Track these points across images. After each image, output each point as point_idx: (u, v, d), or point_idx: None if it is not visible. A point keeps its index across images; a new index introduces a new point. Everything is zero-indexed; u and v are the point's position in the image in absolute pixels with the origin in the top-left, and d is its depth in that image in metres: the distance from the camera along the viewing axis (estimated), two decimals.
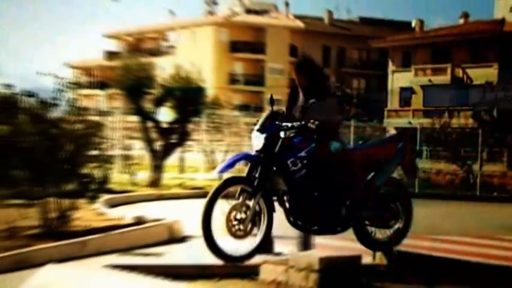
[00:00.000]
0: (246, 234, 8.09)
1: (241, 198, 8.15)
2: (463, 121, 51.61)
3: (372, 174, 8.78)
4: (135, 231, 10.89)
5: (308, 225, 8.47)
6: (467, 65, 67.41)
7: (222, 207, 7.99)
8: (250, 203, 8.12)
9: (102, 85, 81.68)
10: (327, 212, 8.45)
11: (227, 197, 8.13)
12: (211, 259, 8.03)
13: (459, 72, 68.25)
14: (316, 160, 8.34)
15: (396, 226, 9.05)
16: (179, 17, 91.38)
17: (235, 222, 8.04)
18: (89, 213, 12.74)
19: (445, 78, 68.74)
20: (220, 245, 7.98)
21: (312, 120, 8.32)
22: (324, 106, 8.53)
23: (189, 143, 26.16)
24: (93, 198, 11.59)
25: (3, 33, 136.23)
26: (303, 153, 8.31)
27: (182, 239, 8.19)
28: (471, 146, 30.99)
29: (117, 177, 22.81)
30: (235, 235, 8.05)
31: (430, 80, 69.92)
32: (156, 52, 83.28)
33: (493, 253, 11.40)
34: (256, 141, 8.36)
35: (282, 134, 8.34)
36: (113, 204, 16.33)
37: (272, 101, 8.66)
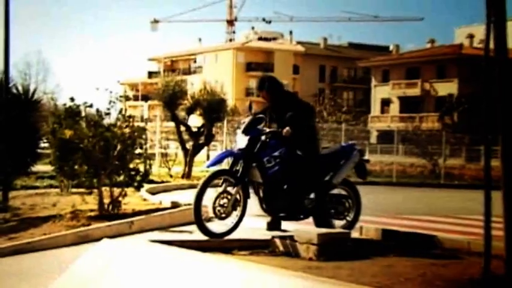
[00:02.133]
0: (227, 215, 8.08)
1: (224, 187, 8.13)
2: (430, 125, 51.51)
3: (331, 174, 8.78)
4: (171, 214, 10.89)
5: (277, 212, 8.45)
6: (433, 80, 67.16)
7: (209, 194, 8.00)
8: (232, 190, 8.10)
9: (145, 98, 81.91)
10: (293, 202, 8.44)
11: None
12: (232, 235, 8.04)
13: (427, 86, 68.01)
14: (286, 159, 8.32)
15: (348, 218, 9.03)
16: (206, 43, 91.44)
17: (219, 207, 8.04)
18: (135, 199, 12.77)
19: (416, 91, 68.54)
20: (207, 224, 7.99)
21: (286, 129, 8.36)
22: (295, 117, 8.48)
23: (213, 143, 26.18)
24: (138, 187, 11.60)
25: (67, 56, 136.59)
26: (276, 153, 8.31)
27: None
28: (437, 144, 30.95)
29: (157, 170, 22.90)
30: (218, 216, 8.06)
31: (404, 92, 69.71)
32: (188, 71, 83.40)
33: (455, 229, 11.36)
34: (240, 142, 8.35)
35: (262, 137, 8.33)
36: (154, 192, 16.36)
37: (250, 108, 8.70)
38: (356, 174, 9.28)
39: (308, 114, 8.74)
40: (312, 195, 8.63)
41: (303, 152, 8.52)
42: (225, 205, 8.05)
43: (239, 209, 8.18)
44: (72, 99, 11.16)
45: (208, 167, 8.39)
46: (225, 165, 8.36)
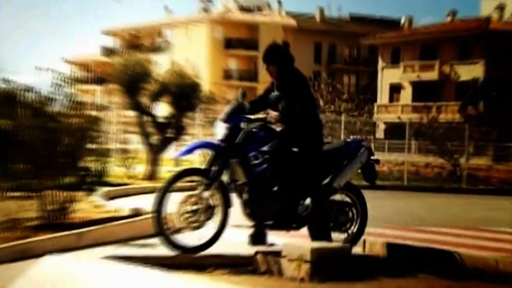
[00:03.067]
0: (198, 226, 8.06)
1: (197, 190, 8.12)
2: (450, 116, 51.74)
3: (331, 176, 8.78)
4: (132, 223, 10.87)
5: (264, 219, 8.45)
6: (454, 61, 67.45)
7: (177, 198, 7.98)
8: (205, 194, 8.09)
9: (99, 80, 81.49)
10: (284, 208, 8.42)
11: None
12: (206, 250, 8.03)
13: (447, 69, 68.31)
14: (277, 156, 8.32)
15: (350, 230, 9.00)
16: (175, 14, 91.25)
17: (187, 214, 8.00)
18: (86, 206, 12.70)
19: (432, 75, 68.82)
20: (175, 236, 7.97)
21: (270, 114, 8.32)
22: (287, 98, 8.46)
23: (184, 137, 26.14)
24: (90, 191, 11.54)
25: (2, 28, 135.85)
26: (265, 148, 8.29)
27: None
28: (458, 140, 31.06)
29: (115, 170, 22.79)
30: (187, 227, 8.04)
31: (418, 76, 69.98)
32: (152, 48, 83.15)
33: (479, 244, 11.41)
34: (220, 131, 8.34)
35: (243, 126, 8.31)
36: (110, 197, 16.30)
37: (244, 97, 8.60)
38: (363, 177, 9.27)
39: (307, 104, 8.65)
40: (308, 201, 8.63)
41: (301, 148, 8.50)
42: (195, 212, 8.03)
43: (217, 217, 8.17)
44: (8, 82, 11.07)
45: (180, 156, 8.38)
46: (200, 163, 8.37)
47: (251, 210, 8.31)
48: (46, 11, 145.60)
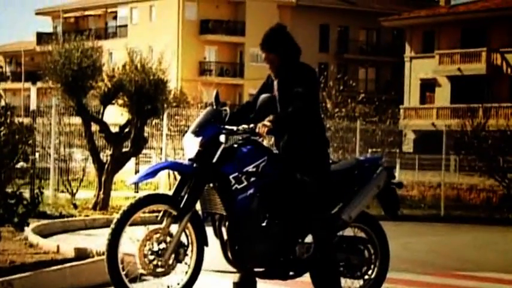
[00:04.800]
0: (166, 271, 8.09)
1: (163, 223, 8.14)
2: (502, 122, 51.81)
3: (340, 205, 8.82)
4: (76, 268, 10.86)
5: (250, 264, 8.45)
6: (507, 49, 67.60)
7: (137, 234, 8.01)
8: (174, 229, 8.11)
9: (32, 76, 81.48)
10: (277, 250, 8.45)
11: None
12: None
13: (497, 59, 68.46)
14: (267, 179, 8.33)
15: (367, 276, 9.07)
16: None
17: (151, 255, 8.03)
18: (15, 245, 12.71)
19: (479, 67, 68.89)
20: (131, 284, 8.01)
21: (261, 123, 8.32)
22: (289, 100, 8.47)
23: (146, 151, 26.14)
24: (20, 225, 11.54)
25: None
26: (250, 168, 8.30)
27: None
28: None
29: (53, 197, 22.76)
30: (151, 272, 8.06)
31: (459, 69, 70.10)
32: (104, 33, 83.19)
33: None
34: (189, 147, 8.35)
35: (222, 139, 8.31)
36: (47, 233, 16.28)
37: (217, 99, 8.61)
38: (381, 207, 9.32)
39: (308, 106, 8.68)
40: (309, 239, 8.66)
41: (300, 168, 8.52)
42: (162, 253, 8.05)
43: (190, 259, 8.20)
44: None
45: (135, 182, 8.42)
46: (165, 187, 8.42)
47: (233, 253, 8.32)
48: None
